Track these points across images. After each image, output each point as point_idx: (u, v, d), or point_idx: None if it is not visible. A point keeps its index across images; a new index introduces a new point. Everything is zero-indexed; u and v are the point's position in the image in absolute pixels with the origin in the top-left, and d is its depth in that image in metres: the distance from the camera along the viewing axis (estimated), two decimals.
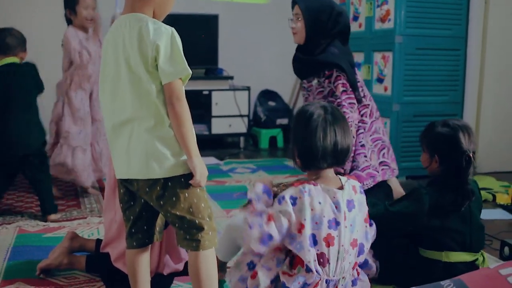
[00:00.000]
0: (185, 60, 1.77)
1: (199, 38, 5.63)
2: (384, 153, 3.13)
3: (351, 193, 1.95)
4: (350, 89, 3.03)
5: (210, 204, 1.89)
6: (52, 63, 4.04)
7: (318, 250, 1.89)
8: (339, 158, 1.95)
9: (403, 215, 2.26)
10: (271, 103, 6.10)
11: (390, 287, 2.29)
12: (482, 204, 2.40)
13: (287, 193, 1.88)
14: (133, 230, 1.95)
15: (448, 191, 2.26)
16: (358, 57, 4.90)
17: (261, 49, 6.25)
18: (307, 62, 3.13)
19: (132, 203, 1.92)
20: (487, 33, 4.52)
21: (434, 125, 2.34)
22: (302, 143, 1.96)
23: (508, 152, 4.69)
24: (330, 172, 1.99)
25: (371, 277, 2.17)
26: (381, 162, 3.11)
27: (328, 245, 1.89)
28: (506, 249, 2.71)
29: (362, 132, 3.08)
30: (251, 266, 2.05)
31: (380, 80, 4.58)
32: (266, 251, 1.95)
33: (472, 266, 2.24)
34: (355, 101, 3.04)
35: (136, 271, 1.98)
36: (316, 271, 1.89)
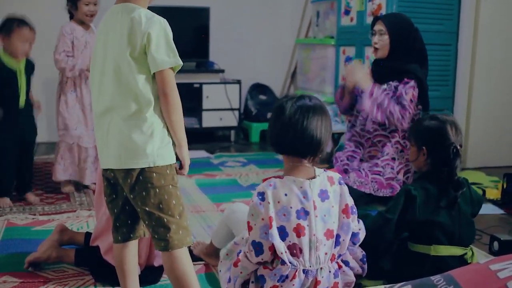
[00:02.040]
0: (177, 51, 1.77)
1: (190, 31, 5.61)
2: (408, 177, 3.48)
3: (326, 183, 1.99)
4: (415, 102, 3.38)
5: (183, 201, 1.88)
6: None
7: (290, 241, 1.94)
8: (309, 149, 1.97)
9: (399, 220, 2.26)
10: (262, 97, 6.09)
11: (380, 282, 2.29)
12: (479, 200, 2.41)
13: (257, 190, 1.97)
14: (117, 224, 1.94)
15: (437, 183, 2.28)
16: (350, 51, 4.90)
17: (253, 43, 6.23)
18: (393, 68, 3.43)
19: (114, 196, 1.91)
20: (479, 28, 4.52)
21: (422, 119, 2.41)
22: (274, 127, 2.01)
23: (498, 147, 4.70)
24: (305, 163, 2.01)
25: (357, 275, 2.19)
26: (403, 182, 3.45)
27: (299, 235, 1.93)
28: (496, 243, 2.72)
29: (401, 149, 3.45)
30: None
31: None
32: (269, 256, 1.98)
33: (461, 260, 2.25)
34: (412, 112, 3.36)
35: (123, 264, 1.97)
36: (290, 262, 1.94)
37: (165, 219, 1.80)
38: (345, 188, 2.04)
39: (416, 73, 3.40)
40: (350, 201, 2.04)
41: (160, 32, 1.74)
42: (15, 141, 3.36)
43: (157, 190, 1.79)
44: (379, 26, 3.43)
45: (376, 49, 3.46)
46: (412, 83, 3.37)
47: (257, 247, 1.95)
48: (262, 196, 1.95)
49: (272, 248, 1.95)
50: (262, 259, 1.98)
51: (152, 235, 1.84)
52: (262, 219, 1.93)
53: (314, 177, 1.99)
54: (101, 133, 1.84)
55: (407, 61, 3.42)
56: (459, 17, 4.55)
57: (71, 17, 3.68)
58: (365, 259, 2.22)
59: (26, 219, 3.12)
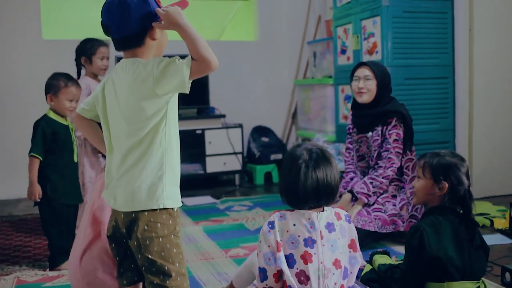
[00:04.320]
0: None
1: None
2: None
3: (333, 217, 2.06)
4: (402, 140, 3.43)
5: (183, 249, 1.94)
6: None
7: (297, 268, 1.99)
8: (321, 200, 2.04)
9: (412, 268, 2.28)
10: (264, 139, 6.12)
11: None
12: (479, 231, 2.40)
13: (267, 220, 2.07)
14: (121, 270, 1.99)
15: (452, 219, 2.27)
16: (348, 90, 4.94)
17: (252, 86, 6.30)
18: (375, 113, 3.48)
19: (118, 243, 1.96)
20: (474, 60, 4.58)
21: (441, 154, 2.36)
22: (286, 185, 2.08)
23: (502, 175, 4.70)
24: None
25: None
26: (411, 215, 3.45)
27: (306, 262, 1.98)
28: (507, 274, 2.68)
29: (402, 186, 3.49)
30: None
31: None
32: (273, 283, 2.02)
33: None
34: (401, 151, 3.44)
35: None
36: None
37: (166, 267, 1.86)
38: (352, 226, 2.10)
39: (397, 109, 3.45)
40: (355, 237, 2.10)
41: (161, 58, 1.82)
42: (72, 199, 3.31)
43: (161, 239, 1.85)
44: (365, 72, 3.48)
45: (361, 94, 3.49)
46: (393, 122, 3.43)
47: (261, 273, 2.02)
48: (272, 224, 2.04)
49: (277, 275, 2.00)
50: (267, 285, 2.02)
51: (150, 280, 1.88)
52: (268, 246, 2.01)
53: (322, 211, 2.06)
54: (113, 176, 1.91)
55: (387, 102, 3.49)
56: (453, 50, 4.62)
57: (79, 72, 3.79)
58: None
59: (36, 275, 3.10)
